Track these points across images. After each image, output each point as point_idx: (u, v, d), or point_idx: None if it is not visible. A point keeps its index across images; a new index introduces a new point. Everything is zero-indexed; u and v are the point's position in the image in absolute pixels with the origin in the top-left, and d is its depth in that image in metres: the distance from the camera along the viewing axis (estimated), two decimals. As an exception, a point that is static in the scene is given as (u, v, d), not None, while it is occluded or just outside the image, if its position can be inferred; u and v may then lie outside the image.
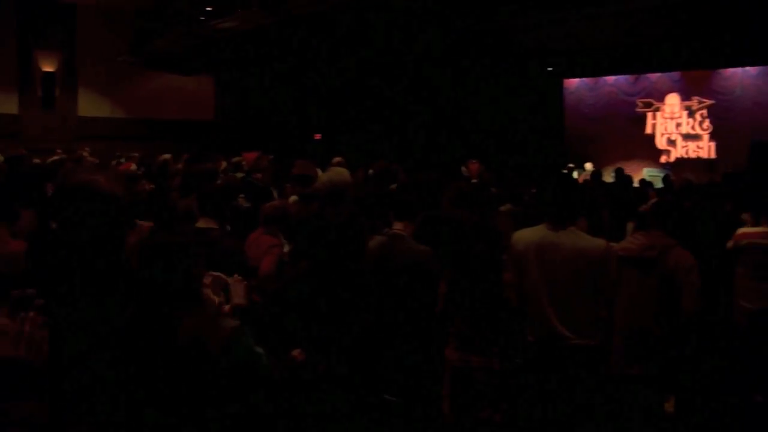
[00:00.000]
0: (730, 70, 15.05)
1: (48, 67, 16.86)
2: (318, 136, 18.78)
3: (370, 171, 7.52)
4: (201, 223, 3.86)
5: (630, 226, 5.43)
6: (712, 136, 15.43)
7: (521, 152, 16.34)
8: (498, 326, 3.74)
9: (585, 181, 11.47)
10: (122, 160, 11.21)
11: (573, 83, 17.89)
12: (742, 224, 5.55)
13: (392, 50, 15.49)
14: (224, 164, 9.49)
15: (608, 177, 11.98)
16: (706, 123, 15.50)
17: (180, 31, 14.76)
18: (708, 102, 15.46)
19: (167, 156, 9.50)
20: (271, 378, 2.56)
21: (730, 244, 5.16)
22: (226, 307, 2.74)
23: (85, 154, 11.08)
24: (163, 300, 2.31)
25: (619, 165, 12.78)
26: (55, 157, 9.26)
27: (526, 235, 3.79)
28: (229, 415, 2.29)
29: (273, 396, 2.68)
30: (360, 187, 6.19)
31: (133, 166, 10.16)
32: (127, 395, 2.13)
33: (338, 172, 4.54)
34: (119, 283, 2.31)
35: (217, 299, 2.66)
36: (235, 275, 2.87)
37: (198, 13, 13.45)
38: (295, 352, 4.08)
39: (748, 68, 14.75)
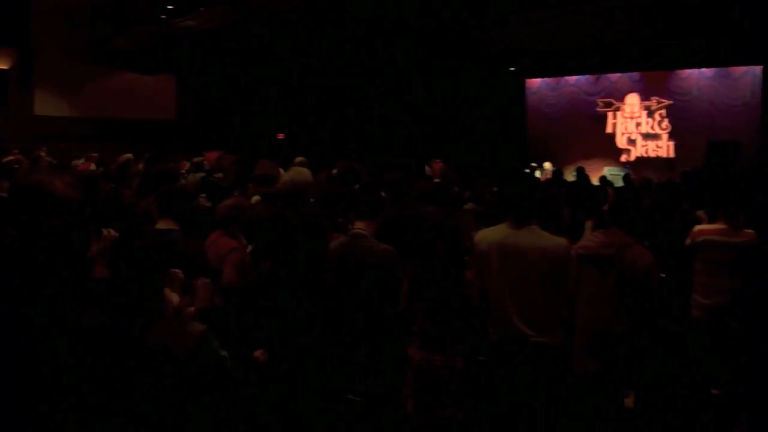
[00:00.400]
0: (687, 71, 15.37)
1: (1, 65, 16.47)
2: (281, 136, 18.67)
3: (334, 171, 7.50)
4: (161, 225, 3.80)
5: (588, 224, 5.48)
6: (671, 136, 15.73)
7: (484, 152, 16.47)
8: (460, 325, 3.76)
9: (547, 180, 11.59)
10: (81, 161, 11.01)
11: (535, 83, 18.08)
12: (699, 221, 5.65)
13: (356, 50, 15.48)
14: (187, 165, 9.38)
15: (570, 176, 12.13)
16: (665, 123, 15.79)
17: (140, 29, 14.56)
18: (666, 102, 15.75)
19: (129, 156, 9.34)
20: (234, 380, 2.54)
21: (687, 241, 5.25)
22: (191, 309, 2.70)
23: (42, 154, 10.84)
24: (131, 306, 2.27)
25: (580, 164, 12.95)
26: (11, 157, 9.05)
27: (489, 235, 3.81)
28: (196, 417, 2.27)
29: (236, 397, 2.66)
30: (323, 186, 6.17)
31: (93, 166, 9.99)
32: (94, 399, 2.10)
33: (299, 172, 4.52)
34: (79, 287, 2.27)
35: (178, 299, 2.61)
36: (201, 278, 2.82)
37: (159, 11, 13.28)
38: (258, 353, 4.06)
39: (704, 69, 15.07)
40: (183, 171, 8.62)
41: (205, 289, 2.78)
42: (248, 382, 3.85)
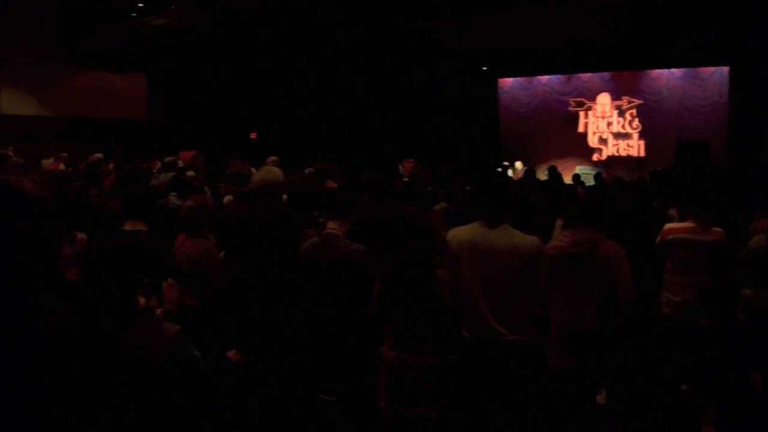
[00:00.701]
0: (657, 71, 15.56)
1: (-33, 63, 16.18)
2: (254, 135, 18.55)
3: (307, 170, 7.47)
4: (128, 226, 3.73)
5: (559, 223, 5.52)
6: (641, 135, 15.92)
7: (456, 151, 16.51)
8: (433, 323, 3.76)
9: (519, 179, 11.65)
10: (50, 160, 10.88)
11: (507, 83, 18.17)
12: (669, 220, 5.72)
13: (328, 48, 15.43)
14: (159, 164, 9.30)
15: (542, 175, 12.21)
16: (636, 122, 15.98)
17: (111, 27, 14.39)
18: (637, 102, 15.94)
19: (99, 155, 9.24)
20: (208, 380, 2.53)
21: (657, 239, 5.31)
22: (159, 311, 2.67)
23: (9, 153, 10.65)
24: (107, 308, 2.25)
25: (552, 163, 13.02)
26: (-23, 157, 8.89)
27: (460, 234, 3.82)
28: (171, 416, 2.26)
29: (210, 397, 2.64)
30: (296, 186, 6.14)
31: (62, 166, 9.87)
32: (69, 401, 2.07)
33: (270, 171, 4.49)
34: (50, 289, 2.23)
35: (144, 301, 2.59)
36: (169, 279, 2.79)
37: (129, 9, 13.14)
38: (231, 353, 4.04)
39: (673, 70, 15.27)
40: (155, 170, 8.54)
41: (172, 291, 2.74)
42: (222, 381, 3.82)
